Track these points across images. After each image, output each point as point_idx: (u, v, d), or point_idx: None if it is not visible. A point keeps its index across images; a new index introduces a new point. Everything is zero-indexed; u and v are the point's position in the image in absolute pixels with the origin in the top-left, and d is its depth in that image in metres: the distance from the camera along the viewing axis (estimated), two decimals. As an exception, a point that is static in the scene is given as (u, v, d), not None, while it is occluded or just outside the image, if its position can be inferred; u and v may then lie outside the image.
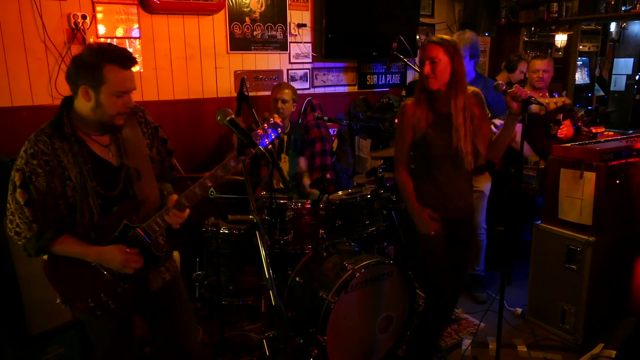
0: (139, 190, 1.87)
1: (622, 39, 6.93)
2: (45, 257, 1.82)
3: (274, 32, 4.17)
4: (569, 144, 3.17)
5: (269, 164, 1.92)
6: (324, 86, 4.64)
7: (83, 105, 1.73)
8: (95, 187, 1.76)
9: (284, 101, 3.50)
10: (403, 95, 4.99)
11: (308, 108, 4.44)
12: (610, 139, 3.47)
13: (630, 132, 4.13)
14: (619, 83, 6.83)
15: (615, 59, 7.01)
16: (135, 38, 3.49)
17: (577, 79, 6.53)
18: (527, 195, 3.82)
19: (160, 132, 2.02)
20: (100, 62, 1.67)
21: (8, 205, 1.73)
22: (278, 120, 1.87)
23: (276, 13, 4.14)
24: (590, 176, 2.93)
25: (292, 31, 4.28)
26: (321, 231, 2.96)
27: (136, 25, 3.49)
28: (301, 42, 4.37)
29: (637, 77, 6.72)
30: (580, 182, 2.98)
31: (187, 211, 1.87)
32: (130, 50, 3.36)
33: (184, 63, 3.77)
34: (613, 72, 6.96)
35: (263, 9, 4.06)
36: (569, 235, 3.06)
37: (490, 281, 3.75)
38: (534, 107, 2.51)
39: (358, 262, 2.71)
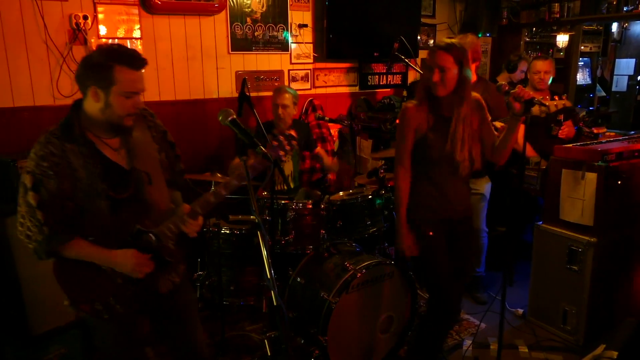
0: (150, 194, 1.86)
1: (623, 39, 6.91)
2: (54, 259, 1.81)
3: (275, 33, 4.17)
4: (570, 145, 3.17)
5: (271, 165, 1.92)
6: (325, 86, 4.63)
7: (92, 106, 1.72)
8: (105, 190, 1.75)
9: (284, 106, 3.47)
10: (404, 96, 4.99)
11: (309, 108, 4.44)
12: (611, 139, 3.46)
13: (632, 132, 4.12)
14: (620, 84, 6.81)
15: (616, 60, 6.99)
16: (136, 39, 3.50)
17: (578, 79, 6.53)
18: (528, 195, 3.81)
19: (168, 137, 2.01)
20: (110, 63, 1.67)
21: (19, 208, 1.71)
22: (293, 133, 1.88)
23: (277, 13, 4.14)
24: (591, 177, 2.93)
25: (293, 31, 4.28)
26: (322, 231, 2.96)
27: (137, 26, 3.49)
28: (302, 43, 4.37)
29: (638, 78, 6.70)
30: (581, 183, 2.98)
31: (201, 219, 1.87)
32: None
33: (185, 63, 3.77)
34: (615, 73, 6.95)
35: (264, 9, 4.06)
36: (570, 236, 3.06)
37: (491, 282, 3.75)
38: (535, 108, 2.50)
39: (359, 262, 2.71)
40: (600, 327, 3.10)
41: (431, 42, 5.28)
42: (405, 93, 5.01)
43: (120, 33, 3.43)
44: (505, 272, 2.64)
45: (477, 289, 3.70)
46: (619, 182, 2.94)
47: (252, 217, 1.76)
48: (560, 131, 3.70)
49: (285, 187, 3.53)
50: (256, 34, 4.07)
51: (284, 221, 2.96)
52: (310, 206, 2.99)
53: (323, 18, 4.31)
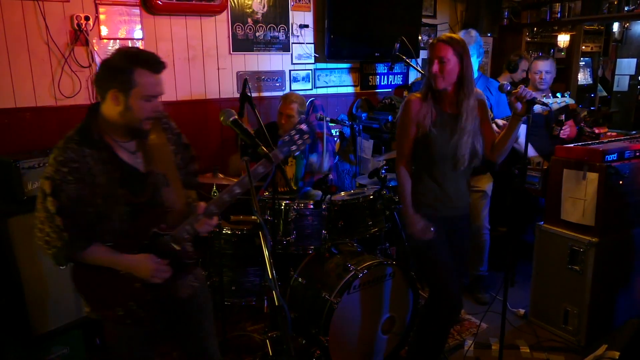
0: (167, 197, 1.84)
1: (625, 39, 6.91)
2: (73, 265, 1.80)
3: (276, 33, 4.17)
4: (571, 145, 3.17)
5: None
6: (326, 87, 4.64)
7: (111, 109, 1.71)
8: (124, 194, 1.74)
9: (289, 116, 3.45)
10: (405, 96, 4.98)
11: (310, 109, 4.44)
12: (613, 139, 3.46)
13: (633, 132, 4.11)
14: (621, 83, 6.80)
15: (618, 60, 6.98)
16: (138, 39, 3.50)
17: (579, 79, 6.53)
18: (529, 196, 3.81)
19: (183, 138, 2.00)
20: (131, 66, 1.66)
21: (37, 214, 1.69)
22: (303, 127, 1.88)
23: (278, 14, 4.15)
24: (593, 177, 2.93)
25: (295, 32, 4.29)
26: (324, 232, 2.96)
27: (139, 27, 3.50)
28: (303, 43, 4.37)
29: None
30: (583, 183, 2.98)
31: (216, 218, 1.85)
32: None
33: (186, 64, 3.78)
34: (616, 73, 6.93)
35: (265, 10, 4.07)
36: (572, 236, 3.06)
37: (493, 282, 3.75)
38: (537, 108, 2.50)
39: (360, 262, 2.71)
40: (602, 327, 3.10)
41: (432, 42, 5.27)
42: (406, 93, 5.01)
43: (122, 34, 3.43)
44: (506, 273, 2.64)
45: (479, 290, 3.70)
46: (621, 182, 2.94)
47: (253, 217, 1.76)
48: (561, 131, 3.70)
49: (287, 189, 3.54)
50: (257, 34, 4.07)
51: (286, 221, 2.96)
52: (312, 206, 2.99)
53: (324, 18, 4.31)
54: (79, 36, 3.25)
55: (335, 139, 4.42)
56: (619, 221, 3.05)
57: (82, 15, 3.23)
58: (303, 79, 4.45)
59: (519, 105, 2.27)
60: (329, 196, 3.05)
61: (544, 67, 3.65)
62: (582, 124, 3.95)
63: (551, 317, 3.25)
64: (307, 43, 4.39)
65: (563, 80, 5.86)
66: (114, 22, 3.39)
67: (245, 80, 3.44)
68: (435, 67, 2.26)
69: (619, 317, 3.16)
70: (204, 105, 3.89)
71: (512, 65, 4.51)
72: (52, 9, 3.15)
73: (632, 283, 3.20)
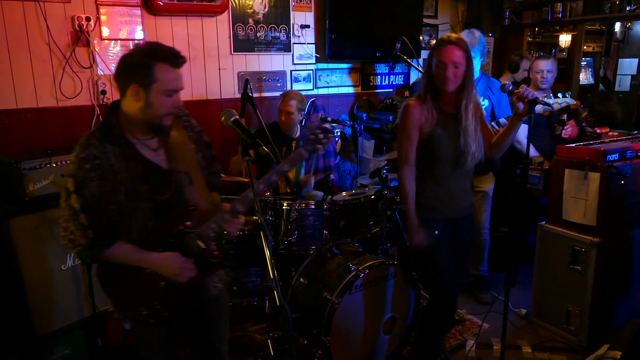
0: (190, 195, 1.83)
1: (626, 39, 6.90)
2: (98, 265, 1.79)
3: (277, 33, 4.18)
4: (573, 145, 3.16)
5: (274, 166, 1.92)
6: (327, 87, 4.64)
7: (132, 105, 1.69)
8: (147, 192, 1.72)
9: (289, 113, 3.48)
10: (406, 96, 4.98)
11: (311, 109, 4.44)
12: (614, 139, 3.45)
13: (635, 132, 4.10)
14: (623, 83, 6.79)
15: (619, 60, 6.97)
16: (139, 40, 3.50)
17: (581, 79, 6.52)
18: (531, 196, 3.81)
19: (204, 137, 1.98)
20: (151, 61, 1.64)
21: (61, 212, 1.68)
22: (327, 126, 1.88)
23: (279, 14, 4.15)
24: (594, 177, 2.92)
25: (296, 32, 4.29)
26: (325, 232, 2.96)
27: (140, 27, 3.50)
28: (304, 43, 4.37)
29: (641, 78, 6.70)
30: (584, 183, 2.97)
31: (243, 217, 1.84)
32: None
33: (187, 64, 3.74)
34: (617, 73, 6.93)
35: (266, 10, 4.07)
36: (573, 236, 3.05)
37: (494, 282, 3.74)
38: (538, 108, 2.50)
39: (362, 262, 2.71)
40: (604, 327, 3.10)
41: (433, 42, 5.27)
42: (407, 93, 5.01)
43: (123, 34, 3.44)
44: (508, 273, 2.64)
45: (480, 290, 3.69)
46: (622, 182, 2.93)
47: (255, 217, 1.76)
48: (563, 131, 3.70)
49: (288, 190, 3.54)
50: (258, 34, 4.07)
51: (287, 221, 2.96)
52: (313, 206, 2.99)
53: (325, 19, 4.32)
54: (80, 37, 3.26)
55: (337, 139, 4.42)
56: (621, 221, 3.04)
57: (83, 16, 3.24)
58: (304, 79, 4.45)
59: (520, 105, 2.27)
60: (330, 196, 3.05)
61: (546, 67, 3.65)
62: (583, 124, 3.94)
63: (553, 317, 3.24)
64: (308, 43, 4.39)
65: (564, 80, 5.85)
66: (115, 22, 3.40)
67: (246, 81, 3.45)
68: (451, 72, 2.24)
69: (620, 317, 3.15)
70: (205, 105, 3.90)
71: (514, 66, 4.51)
72: (53, 10, 3.15)
73: (633, 283, 3.20)
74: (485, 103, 3.49)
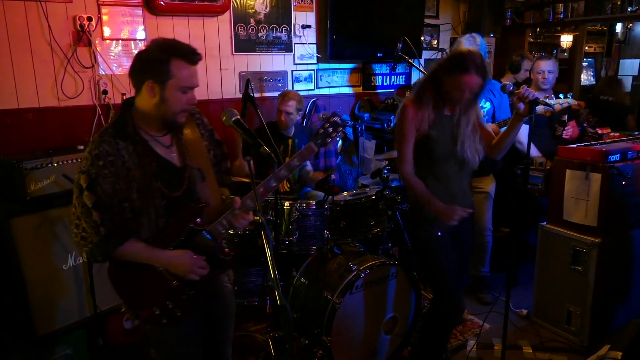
0: (202, 192, 1.83)
1: (628, 39, 6.90)
2: (109, 263, 1.78)
3: (278, 34, 4.18)
4: (574, 145, 3.16)
5: (275, 166, 1.92)
6: (329, 87, 4.64)
7: (147, 101, 1.69)
8: (160, 189, 1.71)
9: (288, 113, 3.49)
10: (407, 97, 4.98)
11: (312, 109, 4.44)
12: (616, 140, 3.45)
13: (636, 133, 4.10)
14: (624, 84, 6.79)
15: (621, 60, 6.98)
16: (140, 40, 3.51)
17: (582, 80, 6.52)
18: (532, 196, 3.81)
19: (216, 135, 1.98)
20: (167, 57, 1.63)
21: (73, 210, 1.67)
22: (337, 119, 1.89)
23: (281, 14, 4.15)
24: (596, 177, 2.92)
25: (297, 32, 4.29)
26: (326, 232, 2.96)
27: (141, 27, 3.50)
28: (306, 44, 4.37)
29: (642, 78, 6.70)
30: (585, 184, 2.97)
31: (252, 213, 1.82)
32: (135, 52, 3.38)
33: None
34: (619, 73, 6.93)
35: (267, 10, 4.07)
36: (574, 237, 3.05)
37: (495, 283, 3.74)
38: (539, 108, 2.50)
39: (363, 263, 2.71)
40: (605, 327, 3.10)
41: (435, 42, 5.28)
42: (408, 93, 5.00)
43: (125, 34, 3.44)
44: (509, 273, 2.64)
45: (482, 290, 3.69)
46: (623, 183, 2.93)
47: (256, 217, 1.76)
48: (564, 132, 3.70)
49: (288, 187, 3.54)
50: (260, 34, 4.07)
51: (288, 221, 2.96)
52: (314, 206, 2.99)
53: (326, 19, 4.32)
54: (82, 37, 3.26)
55: (338, 139, 4.43)
56: (622, 222, 3.04)
57: (85, 16, 3.24)
58: (305, 79, 4.45)
59: (521, 106, 2.27)
60: (331, 196, 3.05)
61: (547, 67, 3.64)
62: (584, 125, 3.94)
63: (554, 318, 3.24)
64: (309, 43, 4.39)
65: (566, 81, 5.85)
66: (117, 22, 3.40)
67: (247, 81, 3.45)
68: (466, 97, 2.25)
69: (621, 317, 3.16)
70: (207, 105, 3.90)
71: (515, 66, 4.51)
72: (54, 10, 3.15)
73: (634, 283, 3.20)
74: (486, 105, 3.49)
